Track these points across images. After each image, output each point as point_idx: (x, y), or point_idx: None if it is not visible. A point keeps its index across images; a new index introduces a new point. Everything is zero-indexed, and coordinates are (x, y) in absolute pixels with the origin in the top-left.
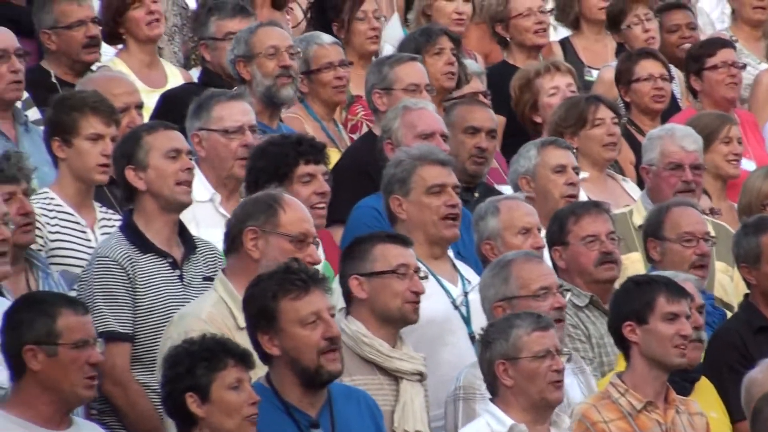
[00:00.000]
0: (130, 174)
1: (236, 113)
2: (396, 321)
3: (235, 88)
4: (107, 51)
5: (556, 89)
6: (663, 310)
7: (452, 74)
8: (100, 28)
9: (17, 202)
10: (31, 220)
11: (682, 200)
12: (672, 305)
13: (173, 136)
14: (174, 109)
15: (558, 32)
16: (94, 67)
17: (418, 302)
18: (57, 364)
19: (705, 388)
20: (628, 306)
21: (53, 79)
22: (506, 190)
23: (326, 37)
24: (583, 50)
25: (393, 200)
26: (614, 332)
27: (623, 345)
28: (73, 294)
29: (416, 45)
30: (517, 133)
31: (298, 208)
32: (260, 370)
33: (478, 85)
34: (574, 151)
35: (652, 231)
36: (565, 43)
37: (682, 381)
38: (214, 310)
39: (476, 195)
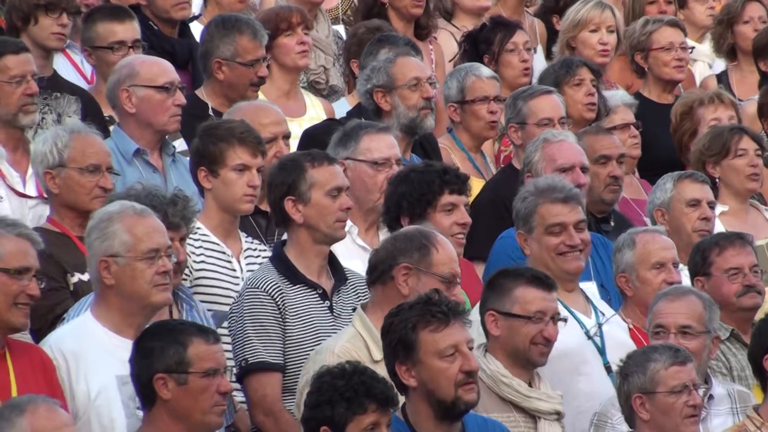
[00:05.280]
0: (288, 204)
1: (384, 146)
2: (523, 362)
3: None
4: None
5: (717, 120)
6: None
7: (593, 105)
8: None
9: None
10: (182, 268)
11: None
12: None
13: (336, 172)
14: (315, 146)
15: (714, 67)
16: None
17: (548, 347)
18: (187, 392)
19: None
20: None
21: (210, 112)
22: None
23: (485, 70)
24: (737, 83)
25: (519, 236)
26: (753, 362)
27: (762, 376)
28: (223, 332)
29: (556, 77)
30: (650, 167)
31: (449, 248)
32: None
33: (629, 116)
34: (717, 180)
35: None
36: (721, 76)
37: None
38: (349, 344)
39: (611, 224)
